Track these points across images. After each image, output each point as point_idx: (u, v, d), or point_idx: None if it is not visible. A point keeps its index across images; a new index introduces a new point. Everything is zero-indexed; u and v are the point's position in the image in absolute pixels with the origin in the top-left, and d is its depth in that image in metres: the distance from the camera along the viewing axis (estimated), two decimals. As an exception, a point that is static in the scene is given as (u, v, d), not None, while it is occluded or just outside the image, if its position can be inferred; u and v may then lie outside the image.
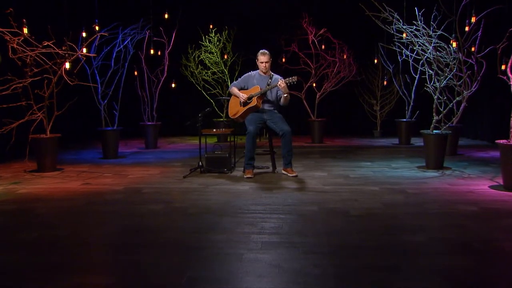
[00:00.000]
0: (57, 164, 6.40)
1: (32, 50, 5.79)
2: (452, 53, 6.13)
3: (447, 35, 6.21)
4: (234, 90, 5.84)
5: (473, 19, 6.43)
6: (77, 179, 5.67)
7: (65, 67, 6.00)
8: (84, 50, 6.41)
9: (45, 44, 5.80)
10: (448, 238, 3.30)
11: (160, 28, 8.62)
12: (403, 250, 3.06)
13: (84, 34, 7.09)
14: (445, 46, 6.14)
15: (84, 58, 6.75)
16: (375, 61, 10.37)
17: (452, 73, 6.16)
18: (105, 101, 7.70)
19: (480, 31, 6.53)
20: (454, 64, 6.12)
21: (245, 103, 5.71)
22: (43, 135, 6.18)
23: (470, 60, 6.61)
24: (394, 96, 10.53)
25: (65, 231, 3.56)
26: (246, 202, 4.38)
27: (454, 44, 6.12)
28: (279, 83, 5.39)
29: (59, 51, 5.92)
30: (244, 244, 3.17)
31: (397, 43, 7.07)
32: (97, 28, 7.21)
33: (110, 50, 7.79)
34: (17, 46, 5.71)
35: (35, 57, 5.85)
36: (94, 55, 7.22)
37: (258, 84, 5.72)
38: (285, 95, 5.54)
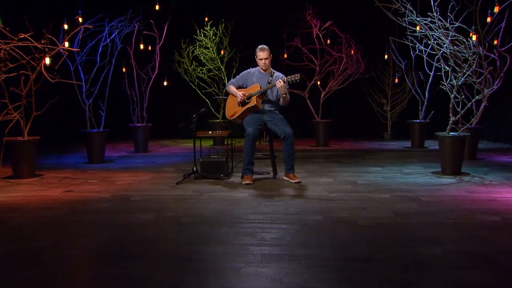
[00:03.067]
0: (36, 169, 6.39)
1: (6, 43, 5.78)
2: (472, 47, 6.12)
3: (466, 28, 6.20)
4: (232, 88, 5.84)
5: (496, 9, 6.41)
6: (59, 186, 5.65)
7: (44, 63, 5.99)
8: (66, 44, 6.42)
9: (22, 36, 5.79)
10: (466, 251, 3.28)
11: (151, 20, 8.63)
12: (416, 263, 3.05)
13: (66, 26, 7.08)
14: (464, 40, 6.13)
15: (67, 53, 6.75)
16: (386, 56, 10.39)
17: (471, 69, 6.15)
18: (90, 101, 7.70)
19: (504, 22, 6.51)
20: (474, 59, 6.11)
21: (243, 103, 5.71)
22: (20, 138, 6.17)
23: (491, 55, 6.59)
24: (406, 95, 10.56)
25: (44, 243, 3.54)
26: (245, 210, 4.37)
27: (474, 37, 6.11)
28: (276, 82, 5.41)
29: (38, 45, 5.91)
30: (243, 257, 3.16)
31: (409, 37, 7.08)
32: (80, 19, 7.21)
33: (96, 44, 7.79)
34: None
35: (10, 51, 5.84)
36: (78, 49, 7.22)
37: (258, 82, 5.72)
38: (283, 96, 5.54)
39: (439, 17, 6.09)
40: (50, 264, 3.12)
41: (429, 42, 6.37)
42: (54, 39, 6.10)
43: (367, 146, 9.54)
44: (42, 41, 5.92)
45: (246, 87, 5.82)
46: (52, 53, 6.05)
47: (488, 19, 6.48)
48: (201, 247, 3.38)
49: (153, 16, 8.66)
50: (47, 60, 5.97)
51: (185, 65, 9.75)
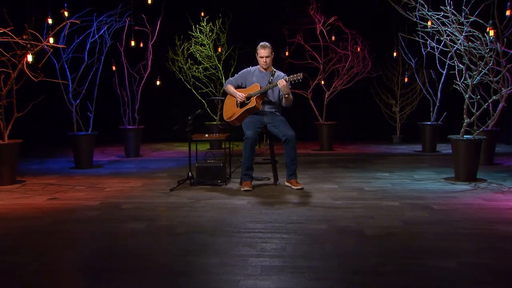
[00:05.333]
0: (17, 175, 6.38)
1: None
2: (488, 44, 6.11)
3: (483, 22, 6.19)
4: (230, 88, 5.84)
5: (516, 1, 6.39)
6: (43, 193, 5.64)
7: (26, 60, 5.97)
8: (51, 40, 6.40)
9: (1, 31, 5.78)
10: (483, 263, 3.27)
11: (143, 15, 8.62)
12: (428, 277, 3.04)
13: (50, 21, 7.06)
14: (480, 36, 6.12)
15: (51, 49, 6.74)
16: (395, 54, 10.39)
17: (488, 67, 6.15)
18: (78, 101, 7.69)
19: (526, 15, 6.49)
20: (491, 56, 6.11)
21: (242, 104, 5.71)
22: (0, 141, 6.15)
23: (511, 51, 6.58)
24: (416, 95, 10.56)
25: (27, 256, 3.52)
26: (244, 219, 4.37)
27: (491, 33, 6.10)
28: (278, 82, 5.41)
29: (19, 41, 5.90)
30: (241, 269, 3.16)
31: (420, 33, 7.08)
32: (66, 14, 7.20)
33: (83, 40, 7.77)
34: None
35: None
36: (63, 46, 7.21)
37: (258, 82, 5.72)
38: (286, 96, 5.54)
39: (453, 11, 6.09)
40: (33, 278, 3.10)
41: (442, 38, 6.37)
42: (38, 34, 6.09)
43: (374, 150, 9.54)
44: (24, 37, 5.92)
45: (245, 87, 5.82)
46: (35, 49, 6.04)
47: (508, 12, 6.44)
48: (196, 258, 3.38)
49: (145, 11, 8.65)
50: (29, 57, 5.95)
51: (179, 63, 9.75)
